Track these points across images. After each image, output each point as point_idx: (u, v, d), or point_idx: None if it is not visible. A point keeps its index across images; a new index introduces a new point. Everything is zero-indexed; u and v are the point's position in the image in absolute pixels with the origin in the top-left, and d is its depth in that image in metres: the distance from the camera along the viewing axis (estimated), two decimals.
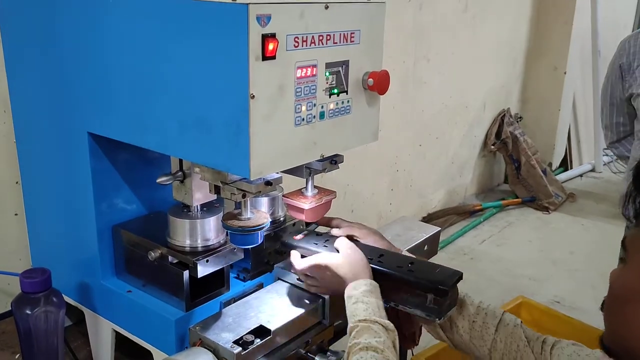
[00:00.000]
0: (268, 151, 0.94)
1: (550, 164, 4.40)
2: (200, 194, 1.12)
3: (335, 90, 1.04)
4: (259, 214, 1.09)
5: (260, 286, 1.28)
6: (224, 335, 1.04)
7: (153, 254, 1.15)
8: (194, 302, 1.17)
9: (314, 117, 1.01)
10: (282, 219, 1.30)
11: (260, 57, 0.88)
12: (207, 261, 1.12)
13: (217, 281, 1.20)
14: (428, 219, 3.66)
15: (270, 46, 0.89)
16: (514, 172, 4.13)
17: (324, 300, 1.16)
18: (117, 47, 1.06)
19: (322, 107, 1.02)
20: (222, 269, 1.18)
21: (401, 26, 3.03)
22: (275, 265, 1.23)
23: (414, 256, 1.17)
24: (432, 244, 1.47)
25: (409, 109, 3.29)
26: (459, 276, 1.08)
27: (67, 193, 1.28)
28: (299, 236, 1.22)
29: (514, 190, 4.15)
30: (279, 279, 1.23)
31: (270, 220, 1.28)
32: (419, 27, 3.14)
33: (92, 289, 1.29)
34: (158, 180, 1.09)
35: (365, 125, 1.13)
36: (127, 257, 1.24)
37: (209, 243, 1.15)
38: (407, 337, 1.51)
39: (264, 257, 1.29)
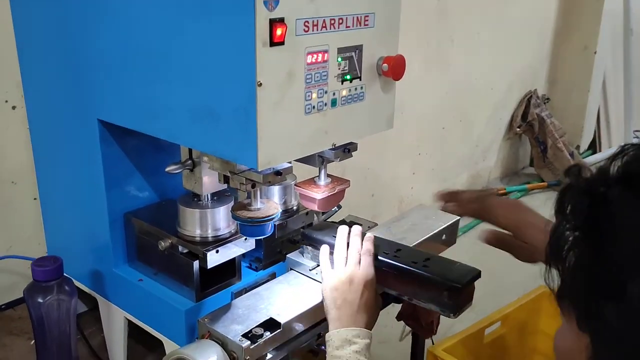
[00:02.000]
0: (277, 141, 0.90)
1: (578, 147, 4.29)
2: (210, 183, 1.10)
3: (348, 77, 1.00)
4: (270, 204, 1.06)
5: (273, 276, 1.26)
6: (233, 328, 1.01)
7: (163, 244, 1.13)
8: (205, 293, 1.15)
9: (325, 104, 0.97)
10: (295, 207, 1.27)
11: (267, 42, 0.85)
12: (217, 252, 1.09)
13: (229, 271, 1.18)
14: None
15: (279, 31, 0.85)
16: (540, 155, 4.03)
17: None
18: (126, 32, 1.03)
19: (334, 94, 0.98)
20: (234, 259, 1.16)
21: (425, 6, 2.95)
22: (287, 255, 1.21)
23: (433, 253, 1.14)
24: (450, 233, 1.43)
25: (432, 91, 3.23)
26: (474, 274, 1.04)
27: (79, 180, 1.26)
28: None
29: (540, 174, 4.06)
30: (291, 269, 1.21)
31: (282, 209, 1.25)
32: (443, 7, 3.06)
33: (104, 277, 1.29)
34: (167, 169, 1.07)
35: (380, 113, 1.09)
36: (139, 245, 1.23)
37: (220, 233, 1.13)
38: (425, 327, 1.48)
39: (277, 247, 1.27)
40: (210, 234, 1.12)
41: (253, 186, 1.00)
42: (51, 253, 1.46)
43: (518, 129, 3.97)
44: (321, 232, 1.18)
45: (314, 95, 0.94)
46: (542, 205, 3.52)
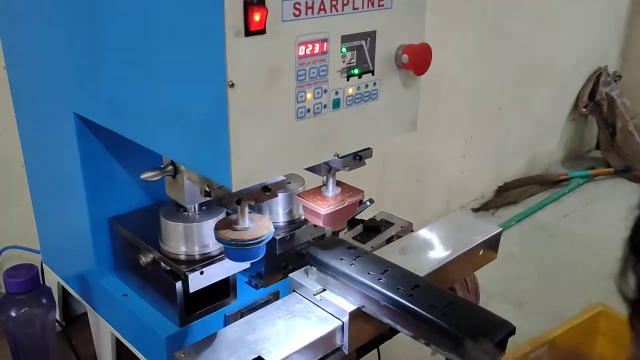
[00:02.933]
0: (257, 154, 0.72)
1: None
2: (195, 193, 0.93)
3: (356, 71, 0.80)
4: (261, 221, 0.88)
5: (276, 295, 1.09)
6: None
7: (144, 259, 0.98)
8: (192, 316, 0.99)
9: (325, 106, 0.78)
10: (302, 217, 1.09)
11: (242, 31, 0.66)
12: (202, 273, 0.93)
13: (221, 290, 1.02)
14: (504, 188, 3.34)
15: (257, 16, 0.66)
16: (607, 138, 3.69)
17: (343, 323, 0.95)
18: (94, 19, 0.87)
19: (337, 93, 0.78)
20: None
21: None
22: (290, 275, 1.03)
23: (456, 294, 0.93)
24: (490, 248, 1.21)
25: (489, 67, 2.95)
26: (507, 331, 0.83)
27: (59, 180, 1.12)
28: None
29: (606, 159, 3.72)
30: (294, 290, 1.03)
31: (287, 219, 1.08)
32: None
33: (90, 286, 1.15)
34: (142, 176, 0.90)
35: (399, 113, 0.89)
36: (126, 255, 1.09)
37: (208, 250, 0.96)
38: None
39: (281, 260, 1.09)
40: (197, 251, 0.96)
41: (238, 202, 0.82)
42: (43, 251, 1.34)
43: (584, 109, 3.64)
44: (328, 252, 1.00)
45: (309, 96, 0.75)
46: (607, 193, 3.17)
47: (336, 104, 0.79)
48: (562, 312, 2.48)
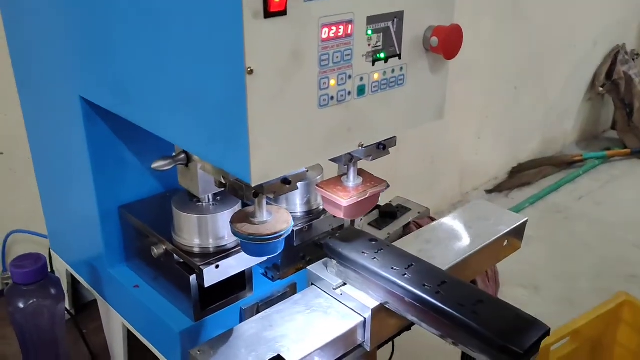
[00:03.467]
0: (277, 145, 0.67)
1: None
2: (209, 183, 0.88)
3: (382, 55, 0.74)
4: (280, 214, 0.83)
5: (293, 288, 1.05)
6: None
7: (156, 251, 0.94)
8: (207, 310, 0.95)
9: (349, 93, 0.72)
10: (320, 207, 1.04)
11: (261, 13, 0.60)
12: (217, 267, 0.89)
13: (237, 283, 0.98)
14: (518, 169, 3.28)
15: None
16: (624, 118, 3.61)
17: (365, 319, 0.91)
18: None
19: (362, 79, 0.73)
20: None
21: None
22: (308, 268, 0.99)
23: (483, 291, 0.88)
24: (514, 239, 1.16)
25: (505, 47, 2.87)
26: (541, 334, 0.78)
27: (66, 166, 1.08)
28: None
29: (623, 139, 3.64)
30: (312, 284, 0.99)
31: (305, 210, 1.03)
32: None
33: (100, 275, 1.12)
34: (153, 166, 0.86)
35: (426, 100, 0.83)
36: (136, 245, 1.05)
37: (223, 242, 0.92)
38: None
39: (298, 252, 1.05)
40: (211, 243, 0.91)
41: (255, 195, 0.77)
42: (51, 238, 1.30)
43: (601, 89, 3.55)
44: (349, 244, 0.95)
45: (333, 82, 0.70)
46: (623, 174, 3.08)
47: (361, 90, 0.73)
48: (578, 297, 2.45)
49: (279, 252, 0.84)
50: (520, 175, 3.24)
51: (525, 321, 0.80)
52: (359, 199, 0.90)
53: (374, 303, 0.91)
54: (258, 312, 1.01)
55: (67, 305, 1.22)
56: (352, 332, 0.91)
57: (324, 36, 0.67)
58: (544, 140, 3.42)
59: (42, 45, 1.02)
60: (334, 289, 0.95)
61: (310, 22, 0.65)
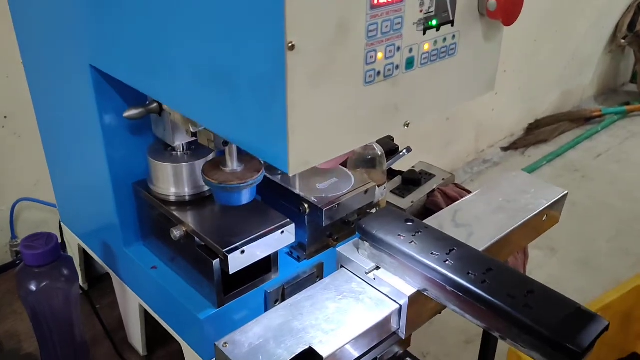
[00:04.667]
0: (318, 129, 0.59)
1: None
2: (182, 132, 0.84)
3: (434, 22, 0.65)
4: (252, 163, 0.79)
5: (320, 268, 0.99)
6: None
7: (176, 233, 0.87)
8: (230, 295, 0.89)
9: (397, 67, 0.64)
10: (350, 184, 0.96)
11: None
12: (243, 252, 0.82)
13: (262, 265, 0.92)
14: (535, 126, 3.19)
15: None
16: None
17: (401, 307, 0.85)
18: None
19: (411, 50, 0.64)
20: None
21: None
22: (338, 249, 0.92)
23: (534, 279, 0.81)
24: (553, 213, 1.09)
25: None
26: (600, 330, 0.71)
27: (75, 139, 1.00)
28: None
29: None
30: (342, 266, 0.92)
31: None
32: None
33: (115, 254, 1.05)
34: (125, 115, 0.80)
35: (478, 71, 0.75)
36: (152, 224, 0.98)
37: (199, 190, 0.88)
38: None
39: (325, 230, 0.98)
40: (187, 192, 0.88)
41: (225, 143, 0.73)
42: (61, 210, 1.24)
43: (622, 41, 3.42)
44: (384, 226, 0.88)
45: (380, 55, 0.61)
46: None
47: (409, 63, 0.65)
48: (595, 258, 2.40)
49: (248, 202, 0.83)
50: (537, 132, 3.15)
51: (583, 315, 0.73)
52: None
53: (410, 289, 0.85)
54: (284, 294, 0.96)
55: (79, 281, 1.16)
56: (386, 321, 0.85)
57: (374, 1, 0.58)
58: (562, 94, 3.32)
59: (47, 4, 0.93)
60: (367, 273, 0.88)
61: None
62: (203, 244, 0.86)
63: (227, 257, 0.81)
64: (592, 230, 2.55)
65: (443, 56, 0.68)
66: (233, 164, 0.81)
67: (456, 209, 1.06)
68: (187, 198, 0.91)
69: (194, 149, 0.91)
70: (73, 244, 1.22)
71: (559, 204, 1.09)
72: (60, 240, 1.12)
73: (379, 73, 0.62)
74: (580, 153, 3.12)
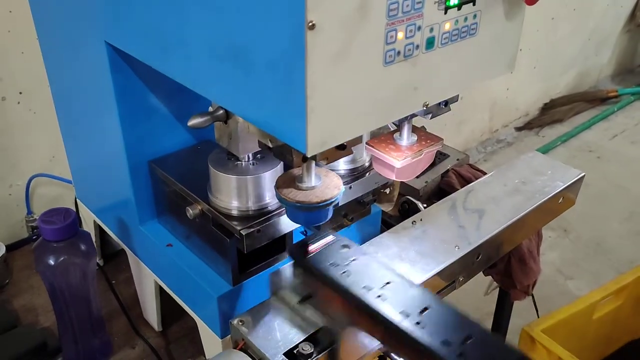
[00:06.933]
0: (337, 110, 0.59)
1: None
2: (250, 142, 0.80)
3: (455, 1, 0.64)
4: (329, 178, 0.76)
5: None
6: (275, 340, 0.76)
7: (191, 211, 0.88)
8: (245, 273, 0.90)
9: (417, 47, 0.63)
10: (366, 164, 0.96)
11: None
12: (259, 231, 0.82)
13: (277, 244, 0.92)
14: (550, 105, 3.15)
15: None
16: None
17: None
18: None
19: (432, 30, 0.63)
20: None
21: None
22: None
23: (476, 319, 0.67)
24: (569, 195, 1.09)
25: None
26: None
27: (91, 116, 1.00)
28: None
29: None
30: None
31: (350, 167, 0.95)
32: None
33: (131, 231, 1.06)
34: (190, 123, 0.77)
35: (498, 51, 0.73)
36: (167, 201, 0.98)
37: (263, 204, 0.85)
38: (519, 289, 1.23)
39: (340, 210, 0.98)
40: (251, 206, 0.84)
41: (304, 160, 0.70)
42: (77, 186, 1.24)
43: None
44: (320, 253, 0.76)
45: (400, 35, 0.60)
46: None
47: (430, 43, 0.64)
48: (608, 240, 2.39)
49: (323, 222, 0.77)
50: (552, 112, 3.12)
51: None
52: (413, 160, 0.81)
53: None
54: None
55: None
56: None
57: None
58: (578, 74, 3.27)
59: None
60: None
61: None
62: (219, 222, 0.86)
63: (243, 236, 0.81)
64: (605, 212, 2.53)
65: (464, 36, 0.67)
66: (310, 180, 0.74)
67: (473, 190, 1.06)
68: (250, 213, 0.84)
69: (260, 159, 0.86)
70: (89, 220, 1.23)
71: (575, 186, 1.09)
72: (77, 214, 1.13)
73: (399, 53, 0.61)
74: (596, 133, 3.09)
